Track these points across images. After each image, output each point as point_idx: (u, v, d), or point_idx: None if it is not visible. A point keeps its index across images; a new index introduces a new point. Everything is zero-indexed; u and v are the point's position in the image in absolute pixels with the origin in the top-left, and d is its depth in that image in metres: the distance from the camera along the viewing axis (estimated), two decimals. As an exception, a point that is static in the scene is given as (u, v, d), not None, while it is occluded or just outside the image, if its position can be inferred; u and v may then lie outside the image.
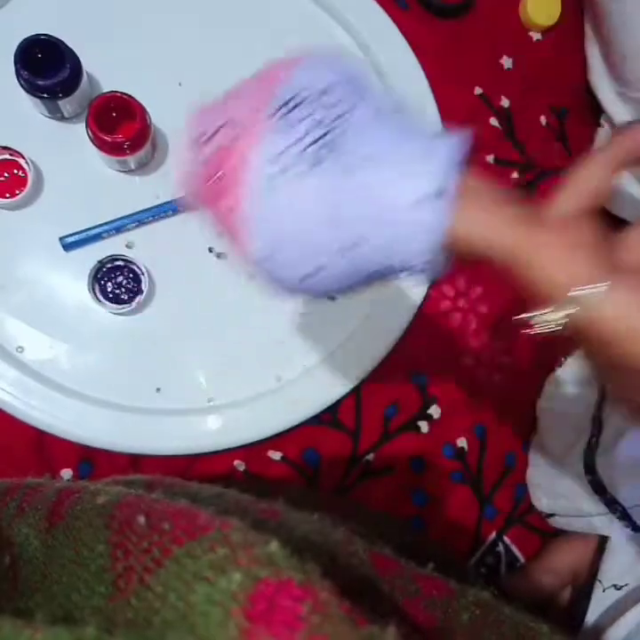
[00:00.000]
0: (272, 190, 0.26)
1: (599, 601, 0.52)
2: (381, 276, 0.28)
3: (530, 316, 0.30)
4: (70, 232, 0.58)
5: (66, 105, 0.56)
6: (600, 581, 0.54)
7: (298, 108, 0.26)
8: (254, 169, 0.26)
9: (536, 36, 0.72)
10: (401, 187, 0.26)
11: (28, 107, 0.58)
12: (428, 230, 0.26)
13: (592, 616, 0.51)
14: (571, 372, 0.64)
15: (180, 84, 0.62)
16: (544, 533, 0.67)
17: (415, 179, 0.26)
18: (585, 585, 0.55)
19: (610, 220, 0.65)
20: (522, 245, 0.28)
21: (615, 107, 0.62)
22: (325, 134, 0.26)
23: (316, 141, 0.26)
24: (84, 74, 0.56)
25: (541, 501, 0.65)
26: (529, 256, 0.28)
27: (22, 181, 0.57)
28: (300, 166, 0.25)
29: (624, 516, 0.53)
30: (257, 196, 0.26)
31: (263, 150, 0.26)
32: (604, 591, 0.53)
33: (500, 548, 0.66)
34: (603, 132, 0.65)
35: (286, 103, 0.26)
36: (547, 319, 0.29)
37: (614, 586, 0.51)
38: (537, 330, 0.30)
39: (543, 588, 0.56)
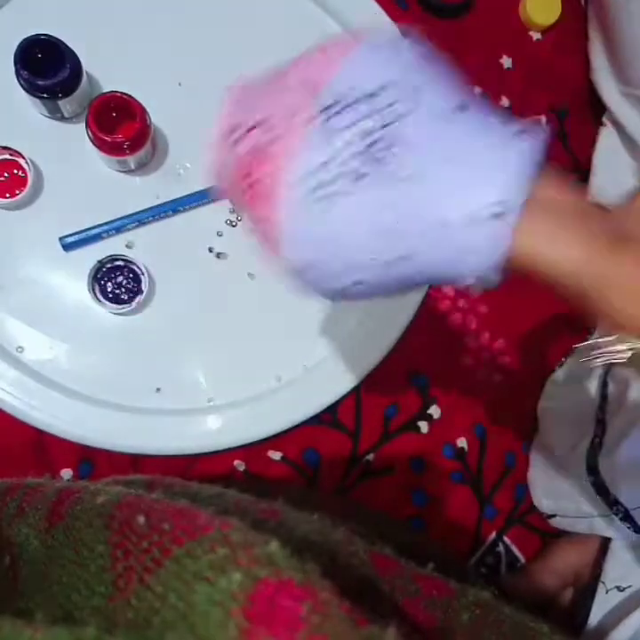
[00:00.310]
0: (310, 205, 0.23)
1: (602, 602, 0.52)
2: (424, 285, 0.25)
3: (593, 344, 0.28)
4: (70, 232, 0.58)
5: (66, 105, 0.56)
6: (603, 583, 0.54)
7: (341, 114, 0.23)
8: (290, 183, 0.24)
9: (536, 35, 0.72)
10: (457, 201, 0.23)
11: (28, 107, 0.58)
12: (484, 250, 0.23)
13: (595, 617, 0.51)
14: (571, 372, 0.64)
15: (179, 84, 0.62)
16: (544, 533, 0.67)
17: (475, 192, 0.22)
18: (588, 586, 0.55)
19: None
20: (594, 272, 0.25)
21: (620, 106, 0.62)
22: (373, 144, 0.22)
23: (361, 153, 0.23)
24: (84, 74, 0.56)
25: (542, 502, 0.65)
26: (601, 286, 0.25)
27: (22, 181, 0.57)
28: (340, 182, 0.23)
29: (626, 517, 0.53)
30: (293, 210, 0.24)
31: (300, 164, 0.23)
32: (607, 592, 0.53)
33: (501, 548, 0.66)
34: (605, 131, 0.65)
35: (328, 108, 0.23)
36: (612, 349, 0.27)
37: (617, 587, 0.51)
38: (599, 359, 0.28)
39: (544, 589, 0.56)
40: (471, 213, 0.22)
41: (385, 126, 0.22)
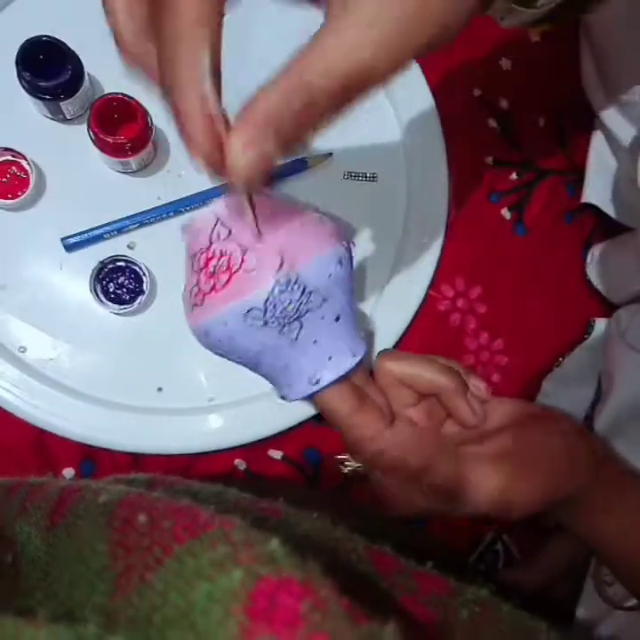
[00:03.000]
0: (240, 322, 0.34)
1: (590, 596, 0.52)
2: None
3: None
4: (72, 233, 0.59)
5: (68, 106, 0.56)
6: (592, 577, 0.54)
7: (286, 292, 0.33)
8: (240, 304, 0.34)
9: (534, 37, 0.72)
10: (308, 365, 0.37)
11: (30, 108, 0.58)
12: (298, 394, 0.38)
13: (584, 611, 0.52)
14: (569, 372, 0.65)
15: (180, 86, 0.62)
16: (542, 532, 0.67)
17: (318, 366, 0.37)
18: (578, 580, 0.56)
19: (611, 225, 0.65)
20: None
21: (607, 111, 0.62)
22: (287, 317, 0.34)
23: (280, 317, 0.34)
24: (86, 75, 0.56)
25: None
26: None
27: (24, 183, 0.57)
28: (259, 322, 0.34)
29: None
30: (227, 316, 0.34)
31: (251, 301, 0.34)
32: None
33: (499, 546, 0.66)
34: (598, 135, 0.65)
35: (284, 284, 0.33)
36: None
37: (605, 582, 0.51)
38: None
39: (540, 583, 0.57)
40: (309, 375, 0.38)
41: (299, 310, 0.34)
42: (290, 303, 0.34)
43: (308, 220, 0.35)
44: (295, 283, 0.34)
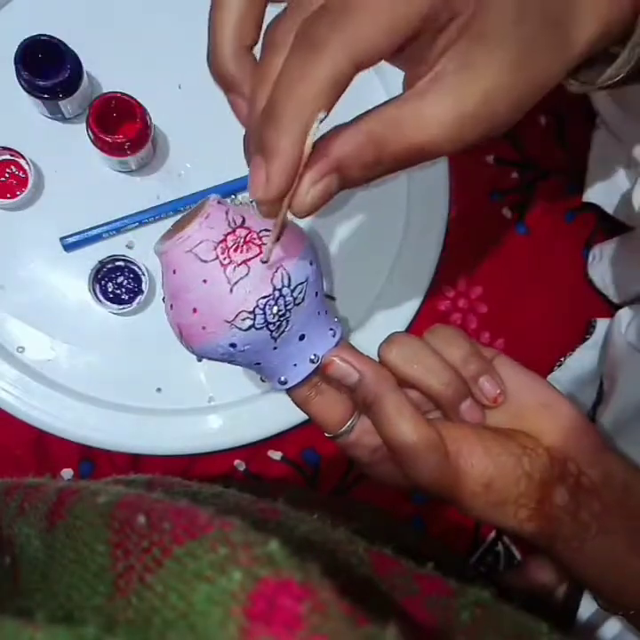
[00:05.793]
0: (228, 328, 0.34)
1: (591, 598, 0.51)
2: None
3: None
4: (71, 232, 0.59)
5: (66, 105, 0.56)
6: None
7: (279, 299, 0.34)
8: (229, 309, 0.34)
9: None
10: (300, 349, 0.37)
11: (29, 107, 0.58)
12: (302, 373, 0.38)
13: (585, 613, 0.51)
14: (570, 372, 0.64)
15: (180, 86, 0.62)
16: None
17: (308, 351, 0.38)
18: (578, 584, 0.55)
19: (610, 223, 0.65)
20: None
21: (606, 107, 0.62)
22: (280, 314, 0.35)
23: (273, 316, 0.34)
24: (85, 74, 0.56)
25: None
26: None
27: (23, 182, 0.57)
28: (253, 321, 0.34)
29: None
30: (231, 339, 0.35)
31: (240, 304, 0.34)
32: None
33: (500, 547, 0.66)
34: (599, 134, 0.65)
35: (278, 289, 0.34)
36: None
37: None
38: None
39: (540, 585, 0.56)
40: (300, 361, 0.38)
41: (288, 305, 0.34)
42: (283, 303, 0.35)
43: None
44: (288, 284, 0.34)
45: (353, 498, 0.63)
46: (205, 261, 0.34)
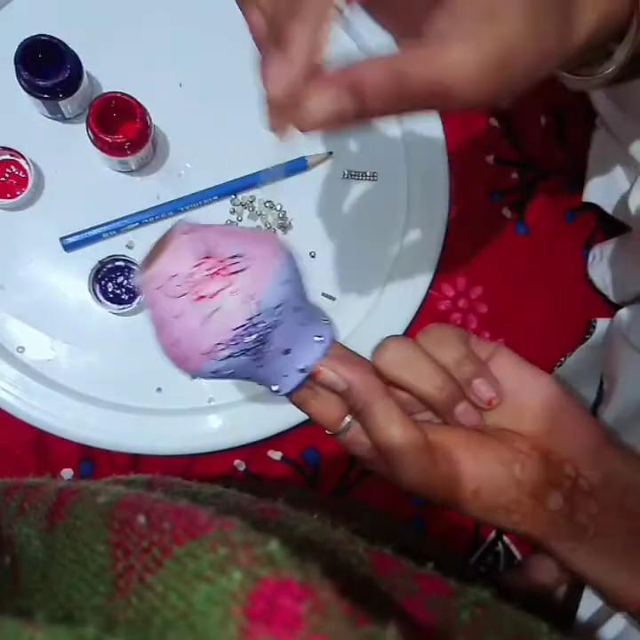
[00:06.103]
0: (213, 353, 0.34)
1: (591, 598, 0.51)
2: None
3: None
4: (71, 232, 0.59)
5: (66, 105, 0.56)
6: None
7: (257, 325, 0.33)
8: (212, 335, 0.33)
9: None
10: (288, 364, 0.36)
11: (29, 107, 0.58)
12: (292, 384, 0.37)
13: (585, 613, 0.51)
14: (570, 372, 0.64)
15: (180, 85, 0.62)
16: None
17: (295, 365, 0.36)
18: (578, 582, 0.55)
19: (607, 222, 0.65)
20: None
21: (606, 108, 0.62)
22: (259, 339, 0.34)
23: (252, 342, 0.34)
24: (85, 74, 0.56)
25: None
26: None
27: (23, 182, 0.57)
28: (235, 348, 0.33)
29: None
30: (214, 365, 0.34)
31: (221, 336, 0.33)
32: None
33: (500, 547, 0.66)
34: (598, 134, 0.65)
35: (253, 317, 0.33)
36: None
37: None
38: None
39: (540, 585, 0.56)
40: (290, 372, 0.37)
41: (265, 330, 0.33)
42: (258, 331, 0.34)
43: (257, 237, 0.35)
44: (262, 312, 0.33)
45: (353, 498, 0.63)
46: (175, 297, 0.33)
